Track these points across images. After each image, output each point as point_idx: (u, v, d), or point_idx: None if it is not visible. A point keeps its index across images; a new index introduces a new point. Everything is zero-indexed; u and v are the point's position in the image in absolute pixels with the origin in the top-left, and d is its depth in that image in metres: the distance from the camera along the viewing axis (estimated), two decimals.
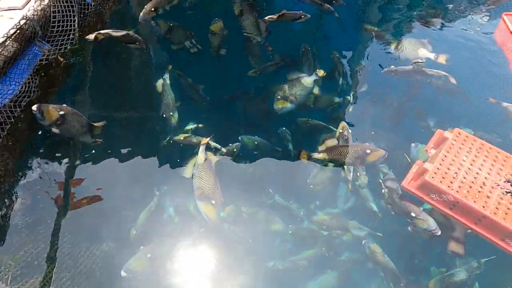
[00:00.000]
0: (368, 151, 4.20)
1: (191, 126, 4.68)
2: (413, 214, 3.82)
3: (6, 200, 3.92)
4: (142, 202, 4.11)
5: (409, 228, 3.95)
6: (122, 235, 3.89)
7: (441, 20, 6.38)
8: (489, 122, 4.89)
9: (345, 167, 4.38)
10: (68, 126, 4.14)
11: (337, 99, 5.12)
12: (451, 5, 6.62)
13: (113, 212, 4.05)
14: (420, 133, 4.70)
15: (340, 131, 4.54)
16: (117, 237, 3.89)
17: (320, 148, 4.38)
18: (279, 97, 4.84)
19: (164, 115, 4.73)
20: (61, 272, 3.59)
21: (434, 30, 6.21)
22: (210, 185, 3.94)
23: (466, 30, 6.20)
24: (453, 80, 5.14)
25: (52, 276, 3.55)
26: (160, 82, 4.94)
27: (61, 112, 4.10)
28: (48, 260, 3.64)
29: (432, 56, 5.44)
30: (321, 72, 4.94)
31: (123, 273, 3.59)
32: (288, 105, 4.80)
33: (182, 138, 4.52)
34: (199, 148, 4.32)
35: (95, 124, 4.31)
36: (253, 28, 5.66)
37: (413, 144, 4.54)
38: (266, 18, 5.49)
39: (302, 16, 5.55)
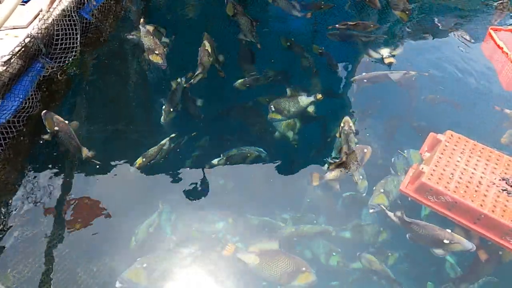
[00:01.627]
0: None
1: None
2: (446, 241, 3.69)
3: (6, 212, 3.93)
4: (141, 215, 4.12)
5: (438, 253, 3.78)
6: (121, 249, 3.90)
7: (430, 35, 6.61)
8: (481, 129, 5.03)
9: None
10: (59, 141, 4.45)
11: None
12: (440, 21, 6.86)
13: (112, 224, 4.06)
14: (413, 139, 4.80)
15: (342, 125, 4.67)
16: (116, 251, 3.89)
17: (330, 167, 4.41)
18: (273, 109, 4.98)
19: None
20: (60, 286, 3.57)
21: (424, 43, 6.43)
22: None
23: (455, 44, 6.42)
24: (413, 73, 5.46)
25: None
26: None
27: (56, 128, 4.42)
28: (48, 274, 3.62)
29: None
30: (319, 96, 5.05)
31: (118, 284, 3.55)
32: (280, 118, 4.95)
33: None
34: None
35: (84, 152, 4.40)
36: (247, 28, 5.86)
37: (405, 151, 4.64)
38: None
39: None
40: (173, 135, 4.71)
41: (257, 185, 4.57)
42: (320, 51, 6.05)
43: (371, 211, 4.13)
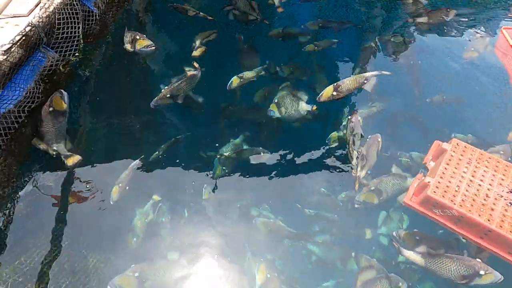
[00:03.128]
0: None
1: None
2: (482, 272, 3.52)
3: (8, 205, 3.90)
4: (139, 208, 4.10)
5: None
6: (121, 243, 3.87)
7: (443, 33, 6.45)
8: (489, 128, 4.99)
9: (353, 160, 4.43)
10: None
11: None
12: (452, 20, 6.69)
13: (114, 217, 4.03)
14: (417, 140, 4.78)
15: (349, 117, 4.73)
16: (117, 245, 3.87)
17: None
18: (276, 101, 4.97)
19: None
20: (59, 280, 3.56)
21: (436, 44, 6.28)
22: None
23: (467, 44, 6.27)
24: (386, 73, 5.34)
25: (51, 284, 3.52)
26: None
27: (51, 109, 4.40)
28: (49, 265, 3.62)
29: None
30: (314, 108, 4.94)
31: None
32: (277, 114, 4.91)
33: None
34: None
35: (67, 156, 4.27)
36: (247, 7, 5.84)
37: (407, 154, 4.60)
38: None
39: None
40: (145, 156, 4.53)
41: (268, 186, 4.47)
42: (320, 24, 6.11)
43: (356, 206, 4.10)
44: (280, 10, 6.58)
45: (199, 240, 3.93)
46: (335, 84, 5.03)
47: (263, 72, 5.38)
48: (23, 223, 3.83)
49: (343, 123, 4.87)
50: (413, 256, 3.75)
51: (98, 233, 3.92)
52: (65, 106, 4.45)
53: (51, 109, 4.40)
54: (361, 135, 4.63)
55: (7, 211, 3.86)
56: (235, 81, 5.14)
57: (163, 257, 3.79)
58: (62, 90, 4.49)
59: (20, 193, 4.00)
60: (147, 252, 3.81)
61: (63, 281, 3.58)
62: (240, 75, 5.20)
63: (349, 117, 4.77)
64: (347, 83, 5.05)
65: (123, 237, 3.89)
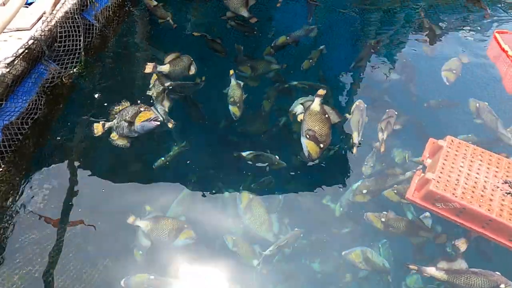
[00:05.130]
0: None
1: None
2: (502, 286, 3.57)
3: (11, 215, 3.92)
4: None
5: None
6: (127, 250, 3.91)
7: (434, 38, 6.59)
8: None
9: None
10: None
11: None
12: (444, 24, 6.84)
13: (118, 226, 4.06)
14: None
15: (357, 103, 4.86)
16: (122, 252, 3.91)
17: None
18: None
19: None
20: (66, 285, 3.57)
21: (428, 47, 6.41)
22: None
23: (459, 47, 6.41)
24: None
25: None
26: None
27: None
28: (54, 274, 3.61)
29: None
30: (300, 117, 4.76)
31: (122, 284, 3.59)
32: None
33: None
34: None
35: None
36: (238, 4, 5.85)
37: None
38: None
39: None
40: None
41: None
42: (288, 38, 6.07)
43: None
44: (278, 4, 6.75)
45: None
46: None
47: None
48: (25, 234, 3.82)
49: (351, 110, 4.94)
50: (437, 273, 3.75)
51: (104, 239, 3.95)
52: None
53: None
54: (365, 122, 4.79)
55: (10, 221, 3.87)
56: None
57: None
58: None
59: (22, 204, 4.01)
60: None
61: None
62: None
63: (355, 105, 4.88)
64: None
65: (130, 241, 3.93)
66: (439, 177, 3.90)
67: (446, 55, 6.10)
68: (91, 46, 5.44)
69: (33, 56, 4.49)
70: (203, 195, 4.38)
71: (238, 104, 4.91)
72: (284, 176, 4.57)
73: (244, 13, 5.93)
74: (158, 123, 4.22)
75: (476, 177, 3.93)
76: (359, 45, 6.53)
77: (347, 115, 4.90)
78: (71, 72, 5.04)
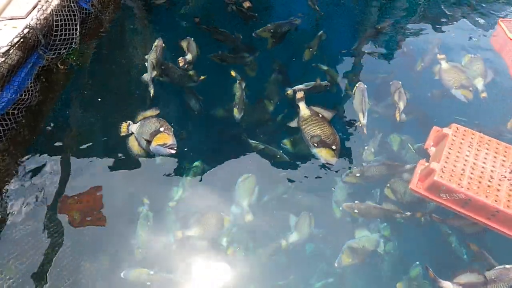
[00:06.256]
0: None
1: None
2: None
3: (7, 206, 3.86)
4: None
5: None
6: (124, 242, 3.85)
7: (438, 26, 6.47)
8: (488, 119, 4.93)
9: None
10: None
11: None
12: (448, 12, 6.72)
13: (115, 216, 4.00)
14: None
15: (357, 85, 4.82)
16: (119, 244, 3.85)
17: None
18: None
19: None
20: (60, 279, 3.52)
21: (432, 37, 6.29)
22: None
23: (464, 36, 6.28)
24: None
25: (51, 284, 3.48)
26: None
27: None
28: (49, 265, 3.57)
29: None
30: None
31: (122, 275, 3.59)
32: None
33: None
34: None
35: None
36: None
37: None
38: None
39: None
40: None
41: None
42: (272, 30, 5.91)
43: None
44: None
45: None
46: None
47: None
48: (20, 224, 3.78)
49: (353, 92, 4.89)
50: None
51: (100, 229, 3.89)
52: None
53: None
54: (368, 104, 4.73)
55: (4, 211, 3.82)
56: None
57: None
58: None
59: (18, 193, 3.96)
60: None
61: (61, 283, 3.53)
62: None
63: (357, 85, 4.84)
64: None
65: (129, 232, 3.87)
66: (444, 166, 3.79)
67: (448, 44, 5.99)
68: (87, 33, 5.36)
69: (29, 45, 4.40)
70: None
71: (237, 107, 4.83)
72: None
73: None
74: (174, 151, 4.08)
75: (482, 167, 3.80)
76: (361, 30, 6.43)
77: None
78: (68, 59, 4.96)
